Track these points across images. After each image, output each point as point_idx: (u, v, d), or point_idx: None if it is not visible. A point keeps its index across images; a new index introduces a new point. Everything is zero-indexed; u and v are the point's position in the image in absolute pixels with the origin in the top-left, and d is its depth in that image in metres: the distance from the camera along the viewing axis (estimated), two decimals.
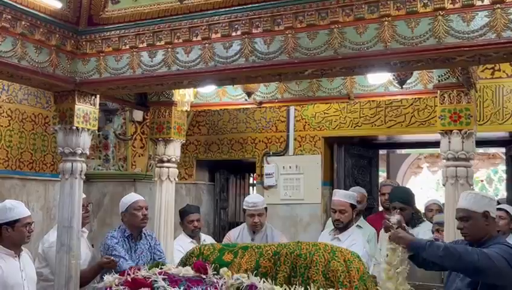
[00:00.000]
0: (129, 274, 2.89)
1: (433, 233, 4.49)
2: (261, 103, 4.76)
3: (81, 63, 3.70)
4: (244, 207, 4.71)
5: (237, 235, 4.76)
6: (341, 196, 4.46)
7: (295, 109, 6.32)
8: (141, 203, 4.21)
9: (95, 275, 3.91)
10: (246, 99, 4.61)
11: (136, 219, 4.15)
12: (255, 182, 7.06)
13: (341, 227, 4.34)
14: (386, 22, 2.83)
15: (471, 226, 3.05)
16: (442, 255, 2.92)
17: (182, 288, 2.79)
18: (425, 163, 12.45)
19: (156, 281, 2.86)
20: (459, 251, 2.91)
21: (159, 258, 4.07)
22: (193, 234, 4.74)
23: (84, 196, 4.04)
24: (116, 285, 2.89)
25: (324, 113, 6.25)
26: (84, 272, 3.90)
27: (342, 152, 6.32)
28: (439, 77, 3.82)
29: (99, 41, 3.62)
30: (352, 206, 4.43)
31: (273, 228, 4.81)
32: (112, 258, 3.90)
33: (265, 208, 4.73)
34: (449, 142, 3.75)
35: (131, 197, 4.30)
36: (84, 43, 3.67)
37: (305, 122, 6.35)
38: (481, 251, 2.88)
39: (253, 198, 4.92)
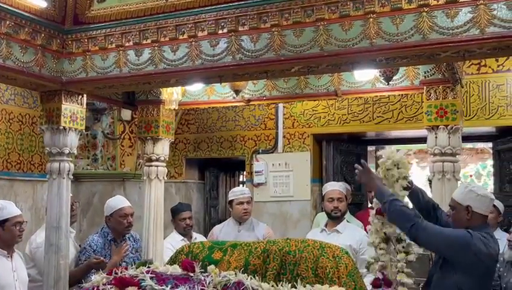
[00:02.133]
0: (116, 273, 2.89)
1: None
2: (249, 100, 4.77)
3: (68, 63, 3.68)
4: (232, 197, 4.73)
5: (220, 229, 4.79)
6: (336, 186, 4.57)
7: (284, 107, 6.33)
8: (127, 210, 4.20)
9: (83, 275, 3.89)
10: (234, 97, 4.61)
11: (121, 227, 4.16)
12: (245, 179, 7.07)
13: (339, 216, 4.38)
14: (371, 19, 2.85)
15: (454, 216, 3.17)
16: (390, 219, 3.12)
17: (169, 286, 2.79)
18: (414, 159, 12.50)
19: (143, 279, 2.86)
20: (399, 218, 3.07)
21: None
22: (185, 232, 4.73)
23: (70, 195, 4.03)
24: (103, 284, 2.88)
25: (312, 110, 6.27)
26: (72, 272, 3.88)
27: (330, 149, 6.35)
28: (425, 73, 3.85)
29: (85, 40, 3.61)
30: (346, 198, 4.50)
31: (258, 221, 4.87)
32: (102, 258, 3.89)
33: (251, 198, 4.82)
34: (436, 137, 3.78)
35: (118, 202, 4.27)
36: (70, 42, 3.66)
37: (294, 119, 6.37)
38: (421, 224, 3.01)
39: (240, 188, 5.04)
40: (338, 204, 4.38)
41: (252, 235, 4.53)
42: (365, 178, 3.27)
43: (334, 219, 4.41)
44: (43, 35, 3.50)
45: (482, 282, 3.07)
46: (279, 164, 6.36)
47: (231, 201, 4.75)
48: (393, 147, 10.54)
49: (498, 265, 4.02)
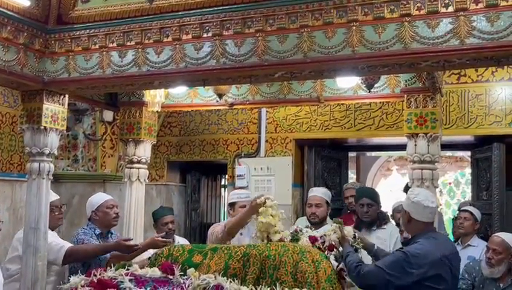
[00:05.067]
0: (95, 275, 2.87)
1: (401, 233, 4.54)
2: (232, 104, 4.78)
3: (50, 62, 3.65)
4: (235, 200, 4.60)
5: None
6: (317, 192, 4.65)
7: (267, 111, 6.36)
8: (112, 201, 4.20)
9: (102, 253, 3.84)
10: (217, 101, 4.62)
11: (109, 217, 4.12)
12: (227, 183, 7.07)
13: (316, 221, 4.41)
14: (354, 27, 2.89)
15: (402, 219, 3.47)
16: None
17: (148, 289, 2.78)
18: (394, 165, 12.63)
19: (122, 282, 2.85)
20: (349, 272, 3.29)
21: None
22: (167, 236, 4.70)
23: (57, 197, 3.99)
24: (82, 286, 2.86)
25: (295, 115, 6.30)
26: (94, 248, 3.83)
27: (312, 154, 6.38)
28: (406, 81, 3.91)
29: (69, 40, 3.59)
30: (327, 203, 4.52)
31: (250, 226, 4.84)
32: (138, 245, 3.82)
33: None
34: (415, 145, 3.84)
35: (102, 196, 4.27)
36: (53, 42, 3.63)
37: (277, 124, 6.40)
38: (359, 272, 3.21)
39: (244, 191, 4.97)
40: (315, 210, 4.44)
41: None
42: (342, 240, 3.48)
43: (313, 224, 4.44)
44: (25, 34, 3.47)
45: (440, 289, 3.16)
46: (261, 168, 6.37)
47: (233, 203, 4.65)
48: (374, 154, 10.69)
49: (474, 274, 4.06)
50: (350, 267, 3.26)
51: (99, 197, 4.24)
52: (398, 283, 3.12)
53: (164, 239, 3.92)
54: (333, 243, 3.46)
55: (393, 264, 3.15)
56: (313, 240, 3.52)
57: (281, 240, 3.59)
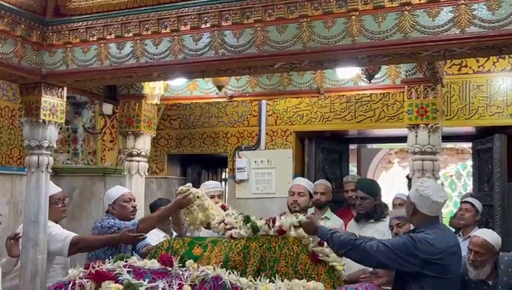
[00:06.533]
0: (93, 267, 2.86)
1: (392, 229, 4.38)
2: (232, 96, 4.76)
3: (48, 55, 3.63)
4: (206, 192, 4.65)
5: None
6: (301, 181, 4.65)
7: (267, 104, 6.33)
8: (129, 195, 4.18)
9: (106, 244, 3.82)
10: (217, 93, 4.60)
11: (126, 211, 4.09)
12: (227, 176, 7.06)
13: (297, 210, 4.36)
14: (354, 17, 2.87)
15: (405, 209, 3.35)
16: (335, 251, 3.22)
17: (146, 281, 2.78)
18: (396, 158, 12.61)
19: (120, 273, 2.84)
20: (339, 247, 3.15)
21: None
22: (166, 228, 4.69)
23: (60, 189, 3.97)
24: (80, 278, 2.85)
25: (295, 107, 6.27)
26: (99, 238, 3.82)
27: (313, 146, 6.36)
28: (406, 72, 3.89)
29: (66, 32, 3.57)
30: (310, 194, 4.52)
31: None
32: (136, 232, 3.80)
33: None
34: (416, 136, 3.82)
35: (119, 189, 4.23)
36: (50, 34, 3.61)
37: (277, 116, 6.37)
38: (359, 247, 3.09)
39: (212, 182, 5.00)
40: (298, 198, 4.42)
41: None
42: (308, 227, 3.37)
43: (294, 213, 4.40)
44: (23, 26, 3.45)
45: (447, 278, 3.12)
46: (262, 161, 6.35)
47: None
48: (375, 146, 10.67)
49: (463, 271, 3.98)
50: (343, 241, 3.14)
51: (115, 191, 4.20)
52: (402, 262, 3.07)
53: (134, 233, 3.79)
54: (283, 227, 3.44)
55: (400, 245, 3.09)
56: (271, 220, 3.54)
57: (222, 221, 3.66)
